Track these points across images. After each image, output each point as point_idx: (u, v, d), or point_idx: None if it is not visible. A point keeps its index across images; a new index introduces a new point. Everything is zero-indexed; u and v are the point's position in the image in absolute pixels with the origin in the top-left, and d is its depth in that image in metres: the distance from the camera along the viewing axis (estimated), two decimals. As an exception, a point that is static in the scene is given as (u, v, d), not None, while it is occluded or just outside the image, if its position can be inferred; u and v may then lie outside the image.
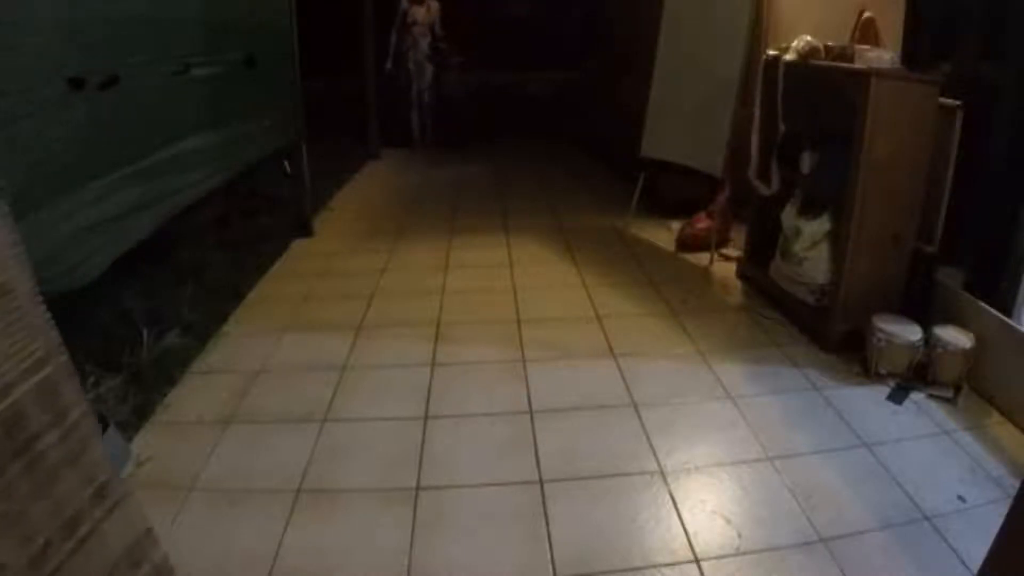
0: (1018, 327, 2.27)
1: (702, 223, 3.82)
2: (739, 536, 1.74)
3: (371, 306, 3.14)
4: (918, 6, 2.70)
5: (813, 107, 2.81)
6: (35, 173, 1.82)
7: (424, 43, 6.18)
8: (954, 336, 2.37)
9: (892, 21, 2.75)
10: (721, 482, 1.95)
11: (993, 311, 2.34)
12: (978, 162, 2.44)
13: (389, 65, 6.16)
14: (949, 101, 2.45)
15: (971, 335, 2.36)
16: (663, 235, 4.08)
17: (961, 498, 1.86)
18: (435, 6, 6.18)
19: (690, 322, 2.93)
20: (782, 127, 2.97)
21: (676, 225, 4.04)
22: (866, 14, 2.75)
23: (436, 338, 2.81)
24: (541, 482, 1.93)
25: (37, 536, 1.06)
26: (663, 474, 1.97)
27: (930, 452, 2.08)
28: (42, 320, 1.14)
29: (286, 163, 4.27)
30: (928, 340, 2.40)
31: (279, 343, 2.77)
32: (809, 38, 2.78)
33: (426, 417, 2.25)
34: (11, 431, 1.05)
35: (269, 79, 3.58)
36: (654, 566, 1.65)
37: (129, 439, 2.08)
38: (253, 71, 3.33)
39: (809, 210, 2.84)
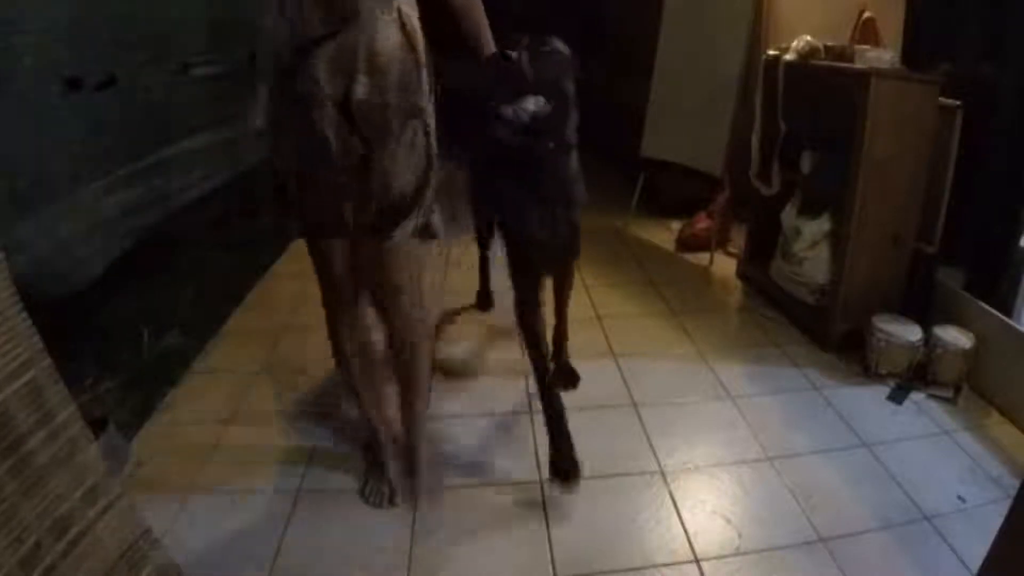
0: (1018, 327, 2.27)
1: (702, 223, 3.81)
2: (739, 536, 1.74)
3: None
4: (918, 6, 2.69)
5: (813, 107, 2.81)
6: (35, 173, 1.81)
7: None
8: (954, 336, 2.37)
9: (892, 21, 2.75)
10: (721, 482, 1.95)
11: (993, 311, 2.34)
12: (978, 162, 2.44)
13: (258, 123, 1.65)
14: (949, 101, 2.45)
15: (971, 335, 2.36)
16: (663, 235, 4.07)
17: (961, 498, 1.86)
18: None
19: (690, 322, 2.93)
20: (782, 127, 2.97)
21: (676, 225, 4.04)
22: (866, 14, 2.75)
23: (435, 338, 2.80)
24: (541, 482, 1.93)
25: (27, 536, 1.08)
26: (663, 474, 1.97)
27: (930, 452, 2.08)
28: (24, 325, 1.16)
29: None
30: (928, 340, 2.40)
31: (279, 343, 2.76)
32: (809, 38, 2.78)
33: (426, 417, 2.25)
34: None
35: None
36: (654, 566, 1.65)
37: (129, 439, 2.08)
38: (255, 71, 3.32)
39: (809, 210, 2.84)
